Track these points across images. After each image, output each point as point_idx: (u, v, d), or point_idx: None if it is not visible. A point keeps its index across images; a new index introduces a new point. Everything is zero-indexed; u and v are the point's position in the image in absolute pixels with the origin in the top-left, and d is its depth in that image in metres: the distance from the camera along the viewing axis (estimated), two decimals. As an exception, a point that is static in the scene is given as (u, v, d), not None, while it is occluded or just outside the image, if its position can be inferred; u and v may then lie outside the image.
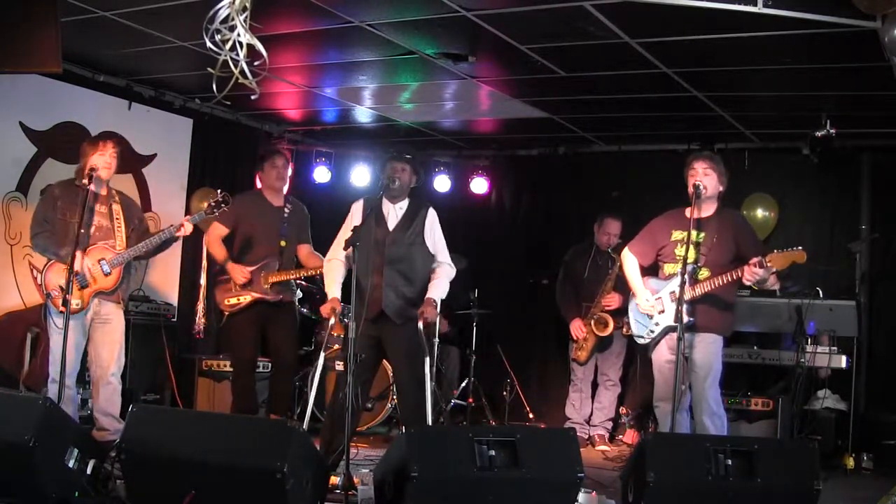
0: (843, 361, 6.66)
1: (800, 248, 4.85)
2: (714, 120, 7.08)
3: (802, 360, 6.57)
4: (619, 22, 5.06)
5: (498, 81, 6.59)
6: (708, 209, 5.16)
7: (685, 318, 4.87)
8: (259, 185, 6.48)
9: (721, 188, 5.17)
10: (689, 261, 4.98)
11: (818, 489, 4.07)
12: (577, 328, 7.21)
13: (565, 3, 4.80)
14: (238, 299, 6.00)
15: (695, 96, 6.44)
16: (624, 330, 7.09)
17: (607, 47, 5.45)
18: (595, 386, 7.40)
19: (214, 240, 6.10)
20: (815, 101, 6.36)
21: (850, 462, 6.35)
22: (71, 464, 3.98)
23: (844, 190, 7.44)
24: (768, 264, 4.81)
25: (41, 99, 6.51)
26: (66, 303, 5.00)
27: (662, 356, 5.23)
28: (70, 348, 5.01)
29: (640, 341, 5.39)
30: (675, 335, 4.93)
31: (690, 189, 5.08)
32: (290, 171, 6.38)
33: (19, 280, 6.35)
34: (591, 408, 7.37)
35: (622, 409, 7.44)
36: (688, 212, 5.09)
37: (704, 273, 5.07)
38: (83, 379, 5.66)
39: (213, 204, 5.57)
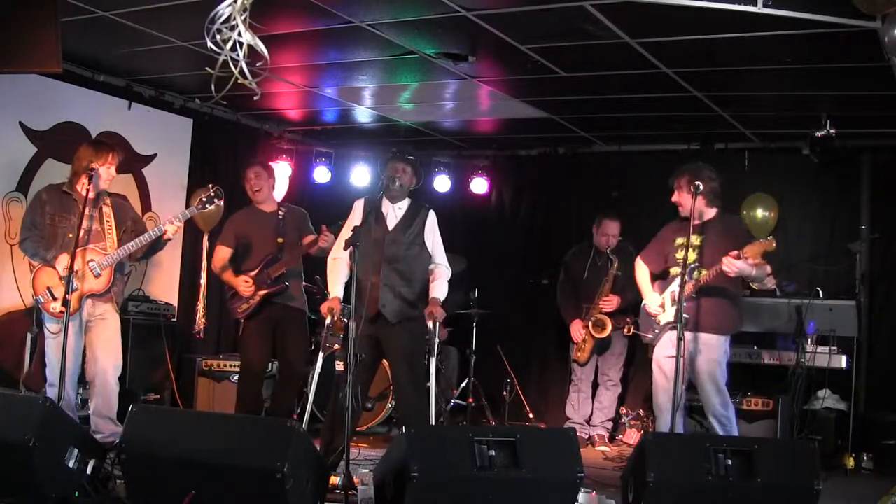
0: (843, 361, 6.67)
1: (770, 237, 5.14)
2: (714, 120, 7.08)
3: (802, 360, 6.58)
4: (619, 22, 5.06)
5: (498, 81, 6.59)
6: (709, 213, 5.39)
7: (683, 317, 5.14)
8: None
9: (706, 201, 5.37)
10: (689, 262, 5.24)
11: (818, 489, 4.08)
12: (576, 330, 7.21)
13: (565, 3, 4.80)
14: (248, 303, 6.06)
15: (695, 96, 6.44)
16: (625, 330, 7.11)
17: (607, 47, 5.44)
18: (596, 386, 7.40)
19: (220, 262, 6.17)
20: (815, 101, 6.36)
21: (850, 462, 6.35)
22: (71, 464, 3.98)
23: (844, 190, 7.43)
24: (745, 255, 5.05)
25: (41, 99, 6.50)
26: (66, 303, 5.00)
27: (662, 351, 5.41)
28: (68, 353, 4.97)
29: (646, 341, 5.66)
30: (675, 333, 5.12)
31: (690, 189, 5.29)
32: (268, 179, 6.34)
33: (19, 280, 6.35)
34: (591, 408, 7.37)
35: (622, 409, 7.44)
36: (675, 199, 5.42)
37: (703, 273, 5.25)
38: (83, 379, 5.65)
39: (204, 199, 5.55)
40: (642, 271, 5.69)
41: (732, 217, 5.57)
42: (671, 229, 5.58)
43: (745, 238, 5.33)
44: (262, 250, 6.12)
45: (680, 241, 5.42)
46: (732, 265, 5.04)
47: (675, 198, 5.46)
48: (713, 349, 5.25)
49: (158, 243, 5.53)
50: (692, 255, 5.29)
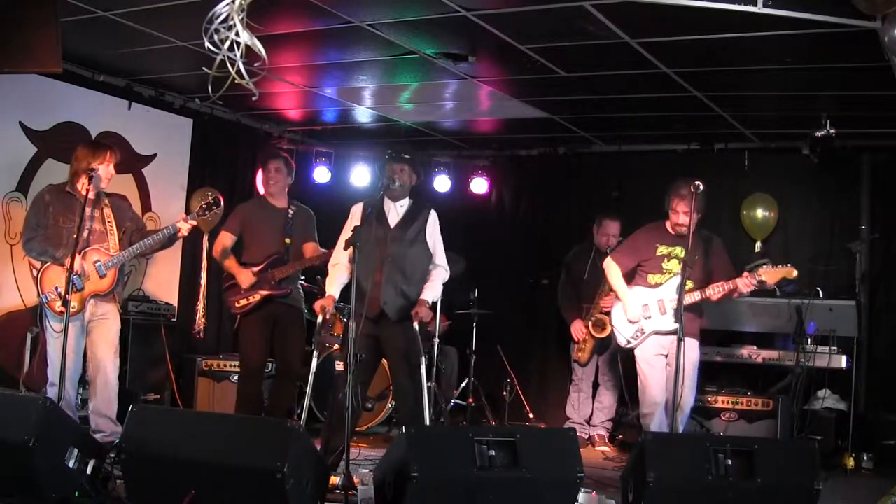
0: (843, 361, 6.67)
1: (789, 265, 5.46)
2: (714, 120, 7.08)
3: (802, 360, 6.58)
4: (619, 22, 5.06)
5: (498, 81, 6.58)
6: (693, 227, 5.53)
7: (672, 325, 5.38)
8: (260, 188, 6.49)
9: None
10: (674, 272, 5.58)
11: (818, 489, 4.08)
12: (577, 330, 7.21)
13: (565, 3, 4.80)
14: (248, 299, 6.06)
15: (695, 96, 6.44)
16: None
17: (607, 47, 5.44)
18: (596, 386, 7.40)
19: (221, 248, 6.17)
20: (815, 101, 6.36)
21: (850, 462, 6.35)
22: (71, 464, 3.98)
23: (844, 190, 7.43)
24: (761, 278, 5.38)
25: (41, 99, 6.50)
26: (66, 303, 5.00)
27: (650, 351, 5.63)
28: (69, 352, 4.98)
29: (627, 346, 5.78)
30: (660, 337, 5.48)
31: (692, 189, 5.36)
32: (287, 176, 6.33)
33: (19, 280, 6.35)
34: (591, 408, 7.37)
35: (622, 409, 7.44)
36: (684, 221, 5.52)
37: (689, 285, 5.47)
38: (83, 379, 5.66)
39: (204, 206, 5.60)
40: (616, 273, 5.82)
41: (712, 236, 5.78)
42: (649, 235, 5.75)
43: (725, 259, 5.67)
44: (267, 246, 6.11)
45: (662, 249, 5.65)
46: (748, 286, 5.40)
47: (682, 219, 5.51)
48: (693, 351, 5.56)
49: (170, 242, 5.59)
50: (676, 266, 5.55)
